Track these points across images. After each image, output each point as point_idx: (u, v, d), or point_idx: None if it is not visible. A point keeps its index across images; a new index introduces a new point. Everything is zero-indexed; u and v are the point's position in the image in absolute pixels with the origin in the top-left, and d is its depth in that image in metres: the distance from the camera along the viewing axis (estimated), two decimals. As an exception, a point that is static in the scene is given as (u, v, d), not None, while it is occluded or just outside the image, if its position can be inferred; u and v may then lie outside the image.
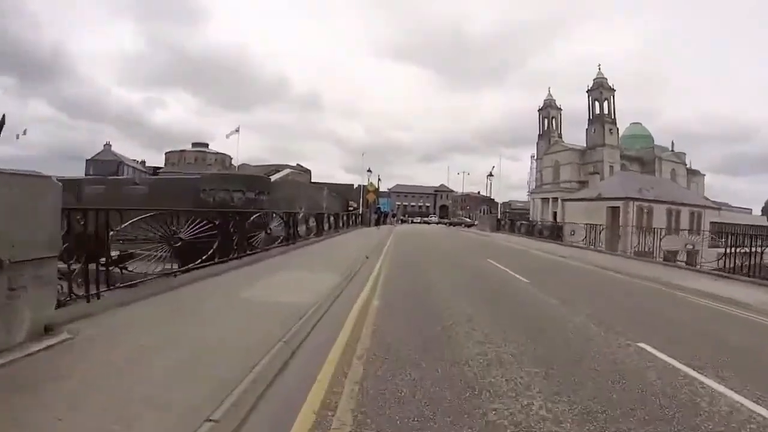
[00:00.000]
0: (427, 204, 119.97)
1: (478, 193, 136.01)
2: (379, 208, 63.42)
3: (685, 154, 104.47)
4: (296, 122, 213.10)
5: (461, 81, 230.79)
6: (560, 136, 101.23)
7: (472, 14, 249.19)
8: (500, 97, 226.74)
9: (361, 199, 58.68)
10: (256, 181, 43.84)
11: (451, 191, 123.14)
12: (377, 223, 53.20)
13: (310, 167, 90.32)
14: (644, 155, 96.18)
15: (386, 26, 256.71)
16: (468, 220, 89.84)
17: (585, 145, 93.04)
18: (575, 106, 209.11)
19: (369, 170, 58.95)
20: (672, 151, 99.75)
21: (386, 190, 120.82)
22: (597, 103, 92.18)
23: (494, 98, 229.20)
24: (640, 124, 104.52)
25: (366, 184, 56.56)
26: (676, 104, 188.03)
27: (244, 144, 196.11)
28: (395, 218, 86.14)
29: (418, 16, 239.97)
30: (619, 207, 51.84)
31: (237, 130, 65.64)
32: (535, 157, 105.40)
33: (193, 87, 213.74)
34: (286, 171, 61.54)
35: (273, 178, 58.25)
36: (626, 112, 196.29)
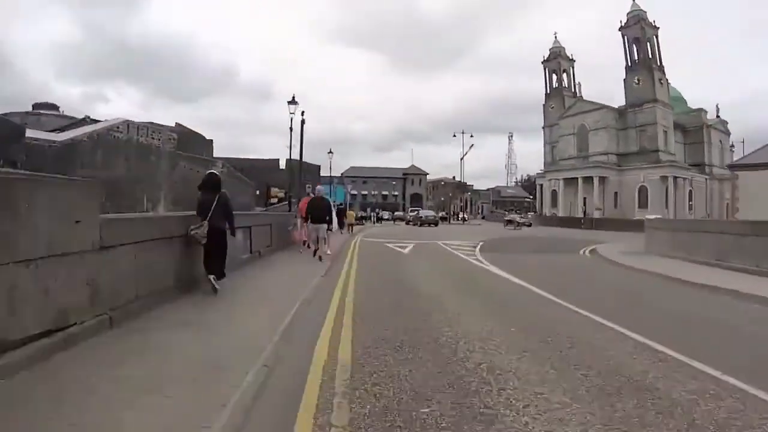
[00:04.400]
0: (395, 192, 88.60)
1: (453, 178, 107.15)
2: (336, 203, 31.66)
3: (726, 122, 78.59)
4: (245, 114, 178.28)
5: (416, 66, 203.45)
6: (576, 96, 73.08)
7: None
8: (458, 82, 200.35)
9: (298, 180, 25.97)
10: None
11: (425, 174, 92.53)
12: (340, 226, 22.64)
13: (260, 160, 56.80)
14: (686, 122, 69.33)
15: (337, 10, 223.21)
16: (519, 217, 49.47)
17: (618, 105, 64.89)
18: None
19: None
20: (718, 117, 73.88)
21: (339, 175, 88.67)
22: (635, 47, 64.27)
23: (449, 84, 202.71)
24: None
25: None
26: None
27: None
28: (375, 215, 52.39)
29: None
30: None
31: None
32: (544, 125, 76.46)
33: (135, 79, 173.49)
34: (113, 122, 27.70)
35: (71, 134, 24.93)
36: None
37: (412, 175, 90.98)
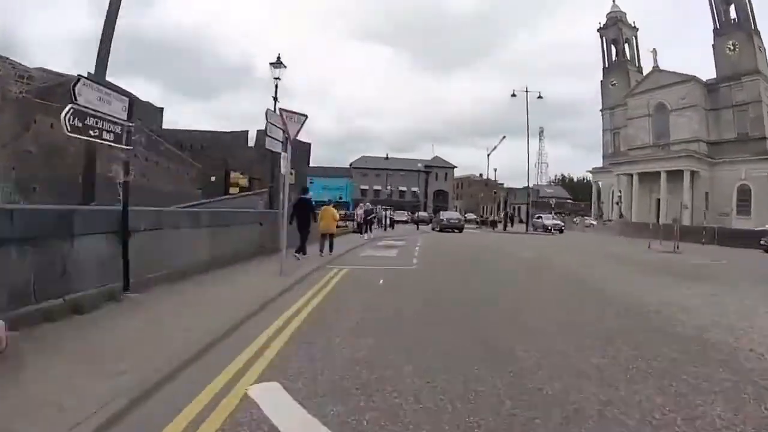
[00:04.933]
0: (413, 188, 74.28)
1: (480, 176, 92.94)
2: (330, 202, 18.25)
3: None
4: (263, 109, 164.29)
5: (436, 65, 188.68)
6: (640, 70, 58.21)
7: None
8: (477, 82, 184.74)
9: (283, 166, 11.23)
10: None
11: (451, 167, 78.38)
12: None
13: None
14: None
15: (360, 6, 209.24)
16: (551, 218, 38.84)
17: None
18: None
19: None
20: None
21: (347, 166, 75.08)
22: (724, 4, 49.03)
23: (468, 84, 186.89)
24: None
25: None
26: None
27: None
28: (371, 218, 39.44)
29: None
30: None
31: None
32: (602, 108, 61.53)
33: (149, 73, 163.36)
34: None
35: None
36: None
37: (436, 169, 76.55)
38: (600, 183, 56.50)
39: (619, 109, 56.76)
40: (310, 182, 55.93)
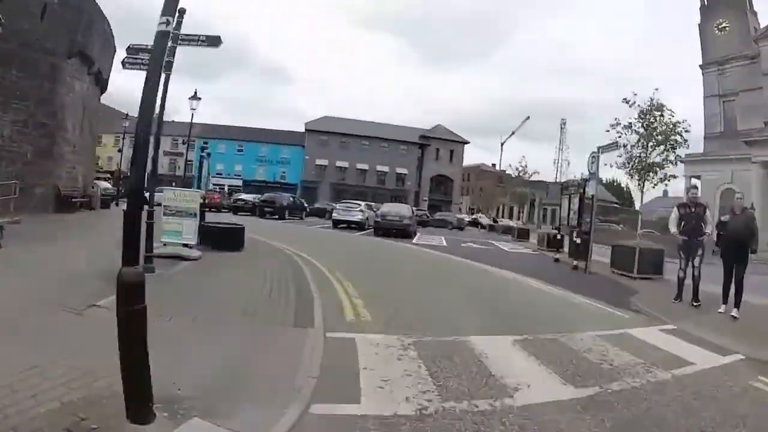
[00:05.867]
0: (400, 170, 52.59)
1: (493, 166, 71.83)
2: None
3: None
4: (261, 96, 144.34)
5: (440, 60, 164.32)
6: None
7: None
8: (483, 79, 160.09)
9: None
10: None
11: (462, 142, 56.62)
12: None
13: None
14: None
15: None
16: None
17: None
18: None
19: None
20: None
21: (302, 129, 53.35)
22: None
23: (472, 81, 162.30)
24: None
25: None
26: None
27: (208, 116, 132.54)
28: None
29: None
30: None
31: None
32: (703, 62, 38.75)
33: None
34: None
35: None
36: None
37: (436, 142, 54.48)
38: (699, 178, 34.18)
39: (736, 66, 34.33)
40: (205, 143, 36.17)
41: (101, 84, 18.56)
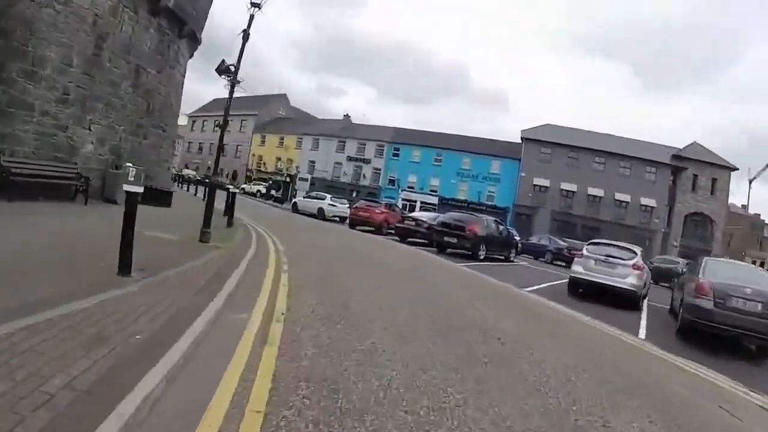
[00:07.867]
0: (649, 202, 36.86)
1: (743, 207, 53.08)
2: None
3: None
4: (479, 124, 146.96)
5: (659, 82, 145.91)
6: None
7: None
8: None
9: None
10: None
11: (730, 167, 39.77)
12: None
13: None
14: None
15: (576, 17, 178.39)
16: None
17: None
18: None
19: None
20: None
21: (517, 140, 42.23)
22: None
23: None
24: None
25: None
26: None
27: (399, 119, 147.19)
28: None
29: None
30: None
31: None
32: None
33: (364, 75, 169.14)
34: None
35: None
36: None
37: (693, 164, 38.23)
38: None
39: None
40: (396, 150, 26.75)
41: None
